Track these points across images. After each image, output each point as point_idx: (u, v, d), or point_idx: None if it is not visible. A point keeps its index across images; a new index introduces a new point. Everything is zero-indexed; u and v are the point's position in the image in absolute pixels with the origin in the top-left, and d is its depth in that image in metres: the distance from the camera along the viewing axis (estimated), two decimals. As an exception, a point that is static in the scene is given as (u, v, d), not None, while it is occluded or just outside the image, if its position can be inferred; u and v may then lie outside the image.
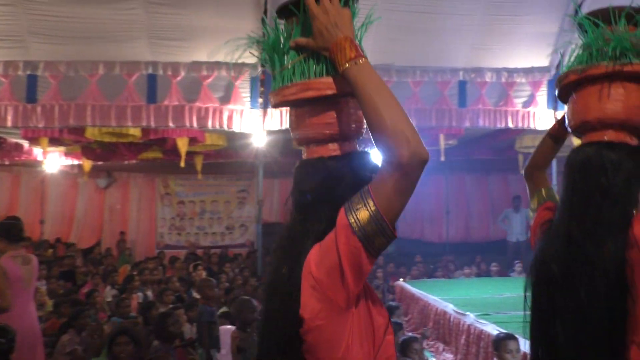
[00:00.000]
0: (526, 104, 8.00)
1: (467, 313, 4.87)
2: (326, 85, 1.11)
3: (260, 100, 7.33)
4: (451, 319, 5.10)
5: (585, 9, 1.61)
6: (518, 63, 7.94)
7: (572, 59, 1.42)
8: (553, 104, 8.08)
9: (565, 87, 1.40)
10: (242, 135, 7.93)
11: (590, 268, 1.26)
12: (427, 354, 4.98)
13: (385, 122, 1.01)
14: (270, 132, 7.69)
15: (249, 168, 10.93)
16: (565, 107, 1.46)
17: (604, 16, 1.34)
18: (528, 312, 1.45)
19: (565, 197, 1.40)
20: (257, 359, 1.20)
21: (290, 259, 1.13)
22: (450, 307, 5.28)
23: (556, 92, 1.48)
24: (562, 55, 7.85)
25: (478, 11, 7.14)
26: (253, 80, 7.33)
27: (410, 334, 4.74)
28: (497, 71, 7.90)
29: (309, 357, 1.09)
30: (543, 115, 8.06)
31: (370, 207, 1.01)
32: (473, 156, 11.63)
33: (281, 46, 1.19)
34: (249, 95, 7.33)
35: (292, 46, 1.16)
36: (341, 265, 1.03)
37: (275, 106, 1.24)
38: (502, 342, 3.49)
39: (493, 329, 4.23)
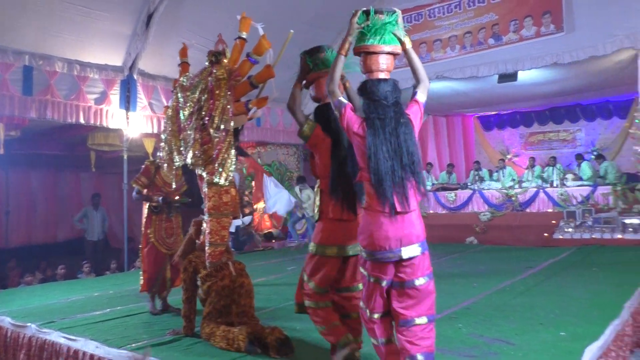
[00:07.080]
0: (99, 101, 7.90)
1: (28, 324, 4.40)
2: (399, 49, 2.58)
3: None
4: (8, 334, 4.51)
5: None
6: (92, 58, 7.76)
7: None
8: (125, 104, 8.25)
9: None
10: None
11: None
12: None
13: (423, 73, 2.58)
14: None
15: None
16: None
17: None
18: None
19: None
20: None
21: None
22: (7, 321, 4.65)
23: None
24: (136, 58, 8.15)
25: (47, -8, 6.61)
26: None
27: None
28: (69, 62, 7.50)
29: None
30: (116, 113, 8.13)
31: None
32: (40, 151, 10.67)
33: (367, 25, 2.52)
34: None
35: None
36: None
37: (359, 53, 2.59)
38: None
39: (58, 337, 3.98)
